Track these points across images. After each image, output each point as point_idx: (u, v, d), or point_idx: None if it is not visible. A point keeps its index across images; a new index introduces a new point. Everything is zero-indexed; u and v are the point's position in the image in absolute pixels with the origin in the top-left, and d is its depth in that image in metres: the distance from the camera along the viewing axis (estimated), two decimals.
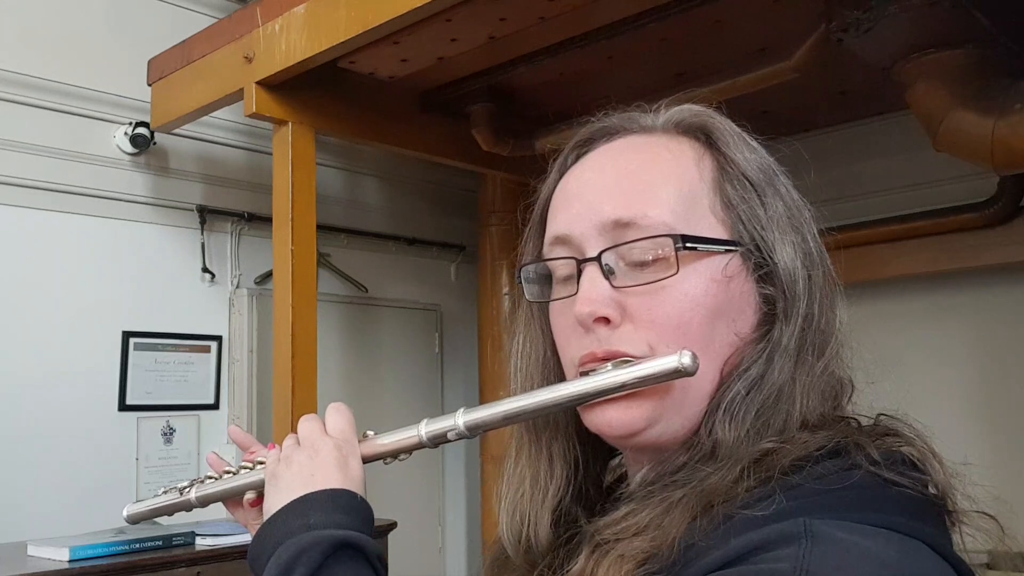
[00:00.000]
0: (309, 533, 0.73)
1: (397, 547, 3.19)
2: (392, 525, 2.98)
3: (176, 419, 3.30)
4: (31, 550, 2.37)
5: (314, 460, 0.80)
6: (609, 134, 0.77)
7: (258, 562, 0.76)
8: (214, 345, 3.42)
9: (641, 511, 0.65)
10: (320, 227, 2.90)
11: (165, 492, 1.00)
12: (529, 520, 0.76)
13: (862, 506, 0.60)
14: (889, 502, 0.61)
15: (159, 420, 3.26)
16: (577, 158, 0.78)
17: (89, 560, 2.26)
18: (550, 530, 0.75)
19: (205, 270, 3.41)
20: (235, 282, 3.50)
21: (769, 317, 0.70)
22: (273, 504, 0.79)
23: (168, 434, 3.28)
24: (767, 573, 0.56)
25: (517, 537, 0.77)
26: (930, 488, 0.65)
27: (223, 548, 2.48)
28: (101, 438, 3.09)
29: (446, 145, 3.30)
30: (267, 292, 3.32)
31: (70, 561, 2.24)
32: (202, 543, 2.50)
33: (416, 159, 3.78)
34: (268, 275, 3.30)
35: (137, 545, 2.40)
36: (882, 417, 0.69)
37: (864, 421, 0.69)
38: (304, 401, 2.69)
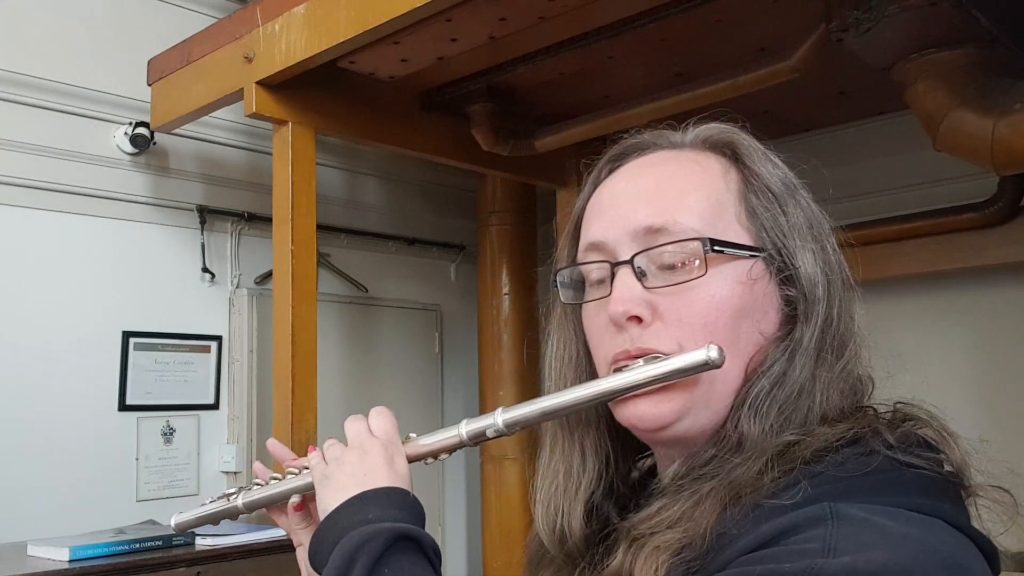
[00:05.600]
0: (370, 525, 0.76)
1: None
2: None
3: (176, 419, 3.31)
4: (31, 550, 2.37)
5: (364, 460, 0.83)
6: (640, 149, 0.82)
7: (319, 556, 0.79)
8: (214, 345, 3.42)
9: (673, 505, 0.69)
10: (320, 227, 2.90)
11: (212, 501, 1.01)
12: (563, 511, 0.80)
13: (882, 490, 0.64)
14: (906, 484, 0.65)
15: (159, 420, 3.26)
16: (610, 171, 0.82)
17: (89, 560, 2.27)
18: (583, 521, 0.79)
19: (205, 270, 3.41)
20: (235, 282, 3.51)
21: (791, 319, 0.74)
22: (329, 503, 0.82)
23: (168, 434, 3.28)
24: (797, 552, 0.60)
25: (552, 528, 0.80)
26: (946, 466, 0.69)
27: (223, 548, 2.48)
28: (101, 438, 3.10)
29: (446, 145, 3.30)
30: (267, 292, 3.32)
31: (70, 561, 2.24)
32: (202, 543, 2.50)
33: (416, 159, 3.79)
34: (268, 275, 3.30)
35: (137, 545, 2.40)
36: (899, 404, 0.73)
37: (882, 409, 0.73)
38: (304, 401, 2.69)
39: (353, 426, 0.88)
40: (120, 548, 2.37)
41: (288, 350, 2.68)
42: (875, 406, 0.73)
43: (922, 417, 0.71)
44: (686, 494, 0.69)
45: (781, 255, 0.75)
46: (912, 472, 0.66)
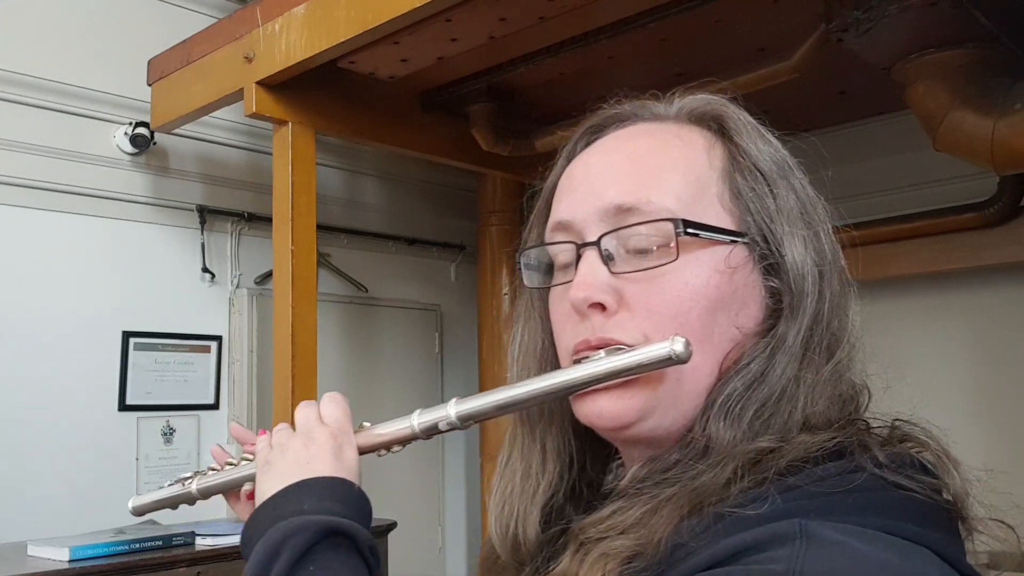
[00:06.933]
0: (299, 518, 0.70)
1: (397, 547, 3.19)
2: (392, 525, 2.99)
3: (176, 419, 3.30)
4: (31, 550, 2.37)
5: (309, 448, 0.77)
6: (620, 121, 0.75)
7: (248, 546, 0.73)
8: (214, 345, 3.42)
9: (628, 509, 0.62)
10: (320, 227, 2.90)
11: (169, 484, 0.98)
12: (517, 515, 0.73)
13: (863, 510, 0.57)
14: (893, 506, 0.58)
15: (159, 420, 3.26)
16: (587, 144, 0.76)
17: (89, 560, 2.27)
18: (539, 528, 0.72)
19: (205, 270, 3.41)
20: (235, 282, 3.50)
21: (775, 313, 0.67)
22: (267, 490, 0.76)
23: (168, 434, 3.28)
24: (759, 574, 0.53)
25: (504, 532, 0.74)
26: (944, 494, 0.61)
27: (223, 548, 2.48)
28: (101, 438, 3.09)
29: (446, 145, 3.30)
30: (267, 292, 3.32)
31: (70, 561, 2.24)
32: (202, 543, 2.50)
33: (416, 159, 3.79)
34: (268, 275, 3.30)
35: (137, 545, 2.41)
36: (897, 422, 0.65)
37: (875, 424, 0.65)
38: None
39: (302, 412, 0.82)
40: (120, 548, 2.37)
41: (288, 350, 2.68)
42: (868, 420, 0.65)
43: (921, 438, 0.63)
44: (644, 498, 0.62)
45: (767, 241, 0.67)
46: (901, 494, 0.58)
